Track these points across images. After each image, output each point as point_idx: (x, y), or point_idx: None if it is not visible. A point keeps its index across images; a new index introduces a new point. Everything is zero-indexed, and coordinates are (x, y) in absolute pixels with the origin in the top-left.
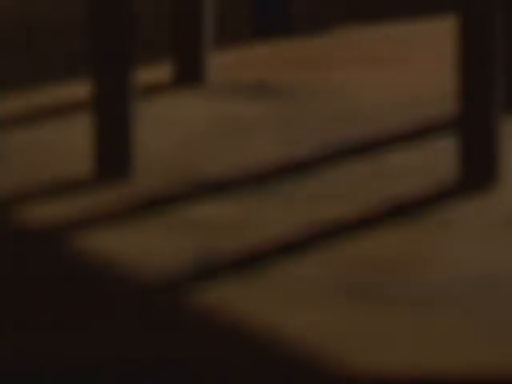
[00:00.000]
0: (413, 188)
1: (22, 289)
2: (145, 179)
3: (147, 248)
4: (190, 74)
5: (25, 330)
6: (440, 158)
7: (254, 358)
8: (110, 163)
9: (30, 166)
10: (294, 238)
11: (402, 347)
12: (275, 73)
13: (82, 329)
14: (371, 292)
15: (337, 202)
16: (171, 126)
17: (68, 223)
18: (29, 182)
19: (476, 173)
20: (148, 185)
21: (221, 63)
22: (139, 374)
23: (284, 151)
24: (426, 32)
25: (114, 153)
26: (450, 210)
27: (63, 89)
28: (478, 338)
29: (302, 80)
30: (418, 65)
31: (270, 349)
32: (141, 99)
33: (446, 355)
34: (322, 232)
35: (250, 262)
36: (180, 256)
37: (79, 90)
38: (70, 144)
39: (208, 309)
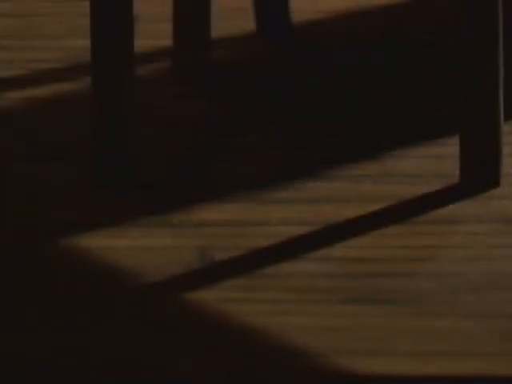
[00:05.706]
0: (413, 188)
1: (22, 288)
2: (145, 179)
3: (147, 248)
4: None
5: (24, 329)
6: (441, 159)
7: (254, 357)
8: (110, 163)
9: (31, 167)
10: (294, 238)
11: (402, 347)
12: None
13: (82, 329)
14: (371, 292)
15: (337, 203)
16: None
17: (68, 223)
18: (29, 183)
19: (477, 173)
20: (148, 184)
21: None
22: (139, 374)
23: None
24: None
25: (114, 153)
26: (451, 210)
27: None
28: (479, 337)
29: None
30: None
31: (270, 349)
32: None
33: (446, 355)
34: (322, 232)
35: (251, 262)
36: (180, 256)
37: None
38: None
39: (208, 309)
